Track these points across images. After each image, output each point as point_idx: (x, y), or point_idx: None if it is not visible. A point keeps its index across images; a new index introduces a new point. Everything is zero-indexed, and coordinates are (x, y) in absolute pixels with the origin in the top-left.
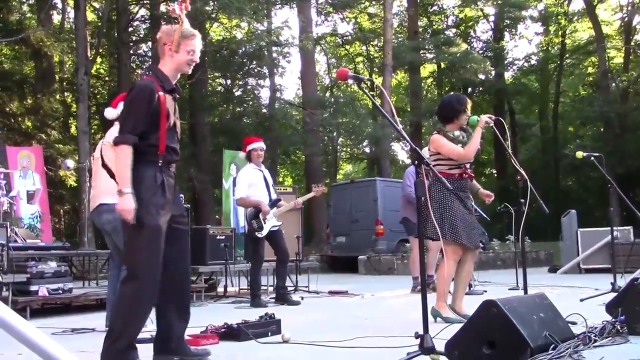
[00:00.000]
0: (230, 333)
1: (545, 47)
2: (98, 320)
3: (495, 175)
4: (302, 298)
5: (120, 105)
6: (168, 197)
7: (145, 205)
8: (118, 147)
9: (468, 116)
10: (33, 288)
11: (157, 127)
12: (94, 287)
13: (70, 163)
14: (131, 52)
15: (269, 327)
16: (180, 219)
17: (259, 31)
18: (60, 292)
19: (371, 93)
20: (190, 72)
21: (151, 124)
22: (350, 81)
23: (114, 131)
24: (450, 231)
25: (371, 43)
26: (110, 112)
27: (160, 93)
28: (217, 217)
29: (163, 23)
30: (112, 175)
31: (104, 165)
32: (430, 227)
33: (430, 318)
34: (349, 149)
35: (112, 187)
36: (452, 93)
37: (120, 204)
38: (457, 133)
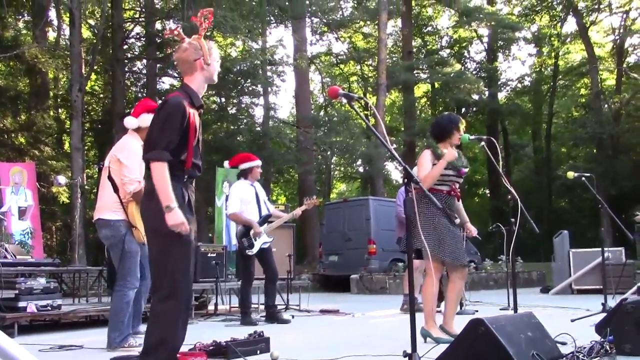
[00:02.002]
0: (219, 351)
1: (538, 69)
2: (86, 337)
3: (489, 195)
4: (293, 316)
5: (144, 116)
6: (192, 214)
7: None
8: (153, 164)
9: (461, 135)
10: (21, 304)
11: (186, 143)
12: (83, 304)
13: (62, 179)
14: (126, 69)
15: (257, 345)
16: (194, 234)
17: (254, 50)
18: (49, 308)
19: (365, 113)
20: (217, 80)
21: (181, 140)
22: (344, 100)
23: (123, 142)
24: (435, 247)
25: (365, 62)
26: (131, 121)
27: (191, 110)
28: (209, 235)
29: (158, 40)
30: (115, 189)
31: (109, 178)
32: (418, 241)
33: (421, 338)
34: (342, 168)
35: (111, 202)
36: (445, 113)
37: (170, 219)
38: (446, 151)
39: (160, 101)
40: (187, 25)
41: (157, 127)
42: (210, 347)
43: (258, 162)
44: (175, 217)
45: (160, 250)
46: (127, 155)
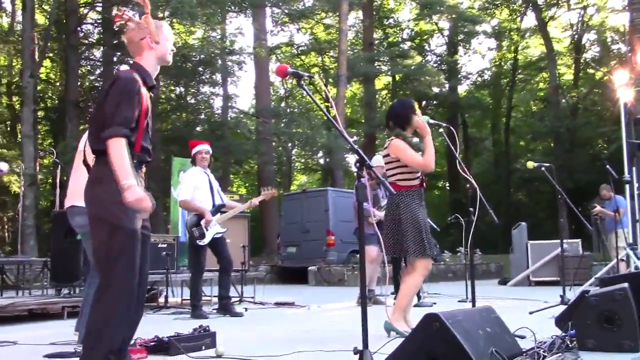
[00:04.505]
0: (161, 347)
1: (498, 62)
2: (23, 332)
3: (448, 187)
4: (246, 309)
5: None
6: None
7: (122, 207)
8: (110, 141)
9: (419, 118)
10: None
11: (137, 125)
12: (26, 297)
13: (4, 166)
14: (82, 56)
15: (202, 340)
16: (146, 223)
17: (212, 36)
18: None
19: (325, 105)
20: (171, 61)
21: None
22: (294, 78)
23: None
24: (427, 245)
25: (327, 54)
26: None
27: (143, 89)
28: (168, 226)
29: (115, 28)
30: None
31: (85, 162)
32: (412, 244)
33: (377, 332)
34: (303, 160)
35: None
36: (396, 100)
37: (128, 196)
38: (415, 140)
39: None
40: (140, 10)
41: (112, 102)
42: (152, 343)
43: (200, 148)
44: (133, 194)
45: (102, 239)
46: None
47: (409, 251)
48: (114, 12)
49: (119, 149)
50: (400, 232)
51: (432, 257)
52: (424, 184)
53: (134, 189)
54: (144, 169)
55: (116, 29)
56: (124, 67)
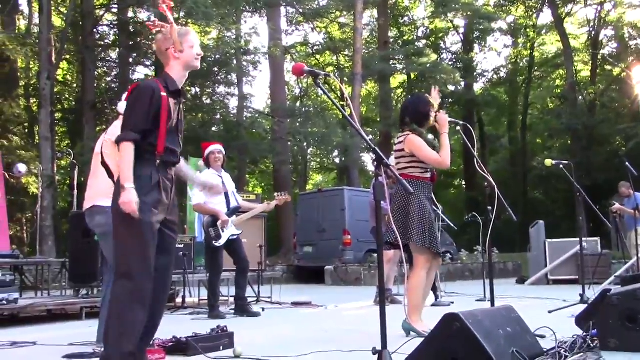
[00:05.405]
0: (179, 347)
1: (514, 60)
2: (43, 333)
3: (464, 186)
4: (263, 309)
5: None
6: (163, 198)
7: (139, 202)
8: (120, 145)
9: (436, 113)
10: None
11: (157, 127)
12: (44, 297)
13: (22, 167)
14: (99, 58)
15: (220, 340)
16: (171, 224)
17: (227, 36)
18: (5, 302)
19: (341, 103)
20: (199, 66)
21: (152, 123)
22: (311, 77)
23: (117, 127)
24: (430, 238)
25: (342, 53)
26: (123, 105)
27: (163, 94)
28: (185, 226)
29: (131, 29)
30: (110, 175)
31: (104, 163)
32: (417, 233)
33: (402, 332)
34: (319, 159)
35: (107, 188)
36: (410, 97)
37: (122, 197)
38: (430, 136)
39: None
40: (157, 12)
41: (127, 109)
42: (170, 344)
43: (212, 148)
44: (126, 196)
45: (118, 230)
46: None
47: (413, 239)
48: (149, 22)
49: (126, 153)
50: (406, 220)
51: (437, 252)
52: (435, 178)
53: (130, 192)
54: (171, 171)
55: (132, 30)
56: (142, 70)
